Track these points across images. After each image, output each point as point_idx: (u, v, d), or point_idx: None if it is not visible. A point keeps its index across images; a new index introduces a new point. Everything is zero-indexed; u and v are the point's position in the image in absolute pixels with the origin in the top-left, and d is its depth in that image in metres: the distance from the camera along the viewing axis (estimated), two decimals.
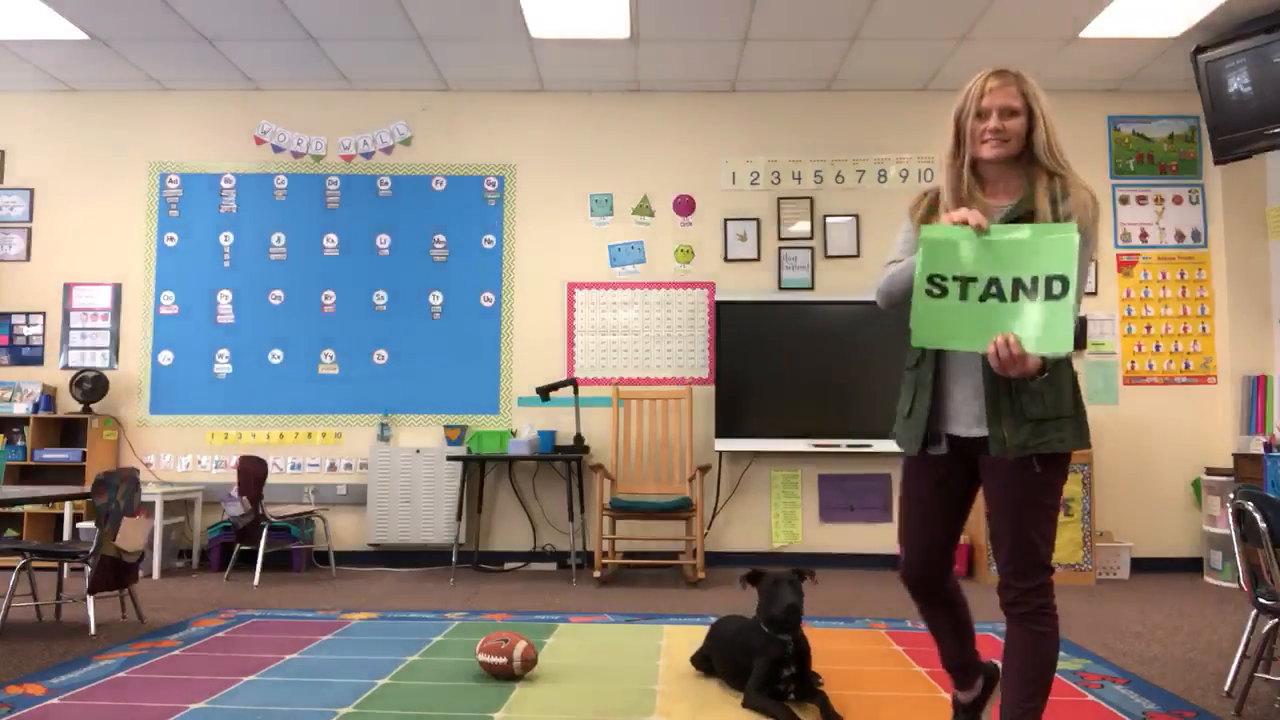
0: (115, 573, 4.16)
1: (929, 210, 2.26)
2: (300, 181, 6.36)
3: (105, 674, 3.41)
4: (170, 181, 6.36)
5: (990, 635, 3.37)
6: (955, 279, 1.95)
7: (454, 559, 5.76)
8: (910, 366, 2.30)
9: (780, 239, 6.27)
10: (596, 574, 5.50)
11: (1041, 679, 2.15)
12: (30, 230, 6.34)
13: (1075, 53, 5.64)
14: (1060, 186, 2.12)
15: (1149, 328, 6.16)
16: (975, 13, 5.18)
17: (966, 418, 2.19)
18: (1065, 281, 1.86)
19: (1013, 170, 2.19)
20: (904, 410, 2.32)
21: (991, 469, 2.19)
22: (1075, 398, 2.16)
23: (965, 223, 1.99)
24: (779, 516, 6.09)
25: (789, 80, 6.16)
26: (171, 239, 6.33)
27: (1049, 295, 1.88)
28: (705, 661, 3.41)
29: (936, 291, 1.96)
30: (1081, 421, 2.15)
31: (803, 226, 6.27)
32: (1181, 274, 6.17)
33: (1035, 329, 1.88)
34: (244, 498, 5.47)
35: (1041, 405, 2.09)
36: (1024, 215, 2.13)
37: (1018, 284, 1.91)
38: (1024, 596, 2.13)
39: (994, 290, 1.92)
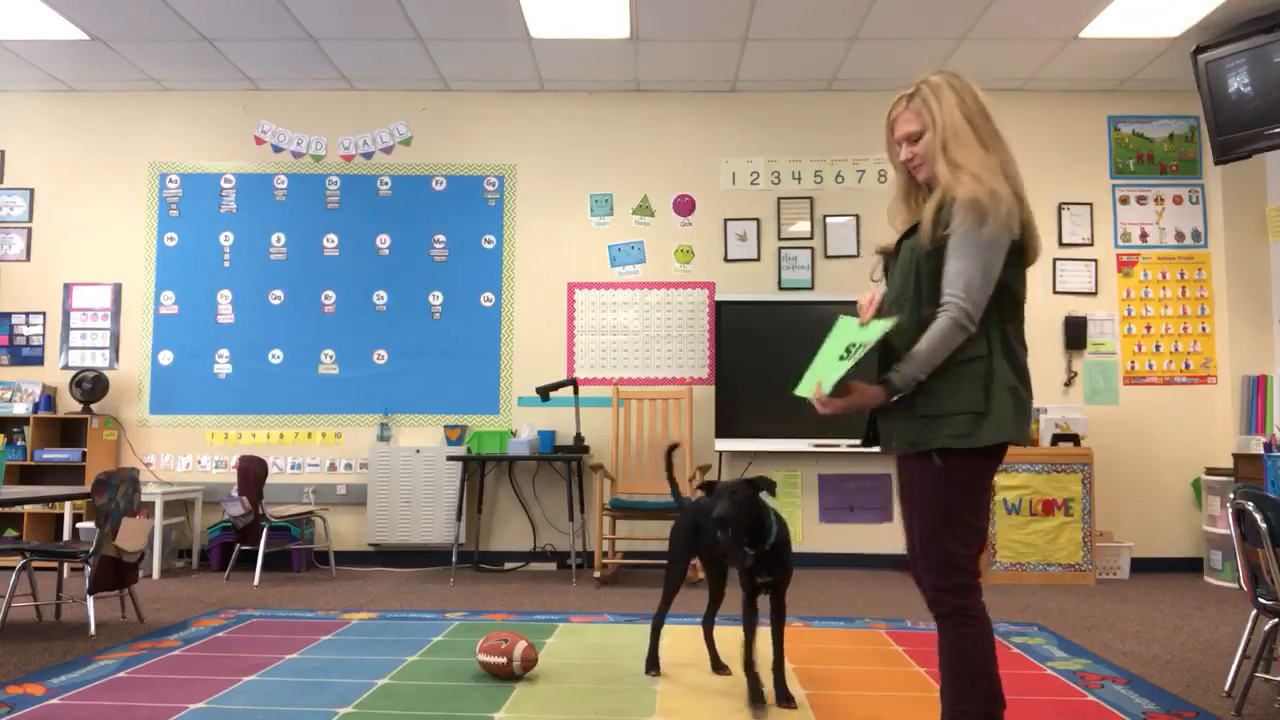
0: (115, 573, 4.16)
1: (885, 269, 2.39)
2: (300, 181, 6.36)
3: (105, 674, 3.40)
4: (170, 181, 6.36)
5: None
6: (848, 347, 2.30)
7: (454, 559, 5.77)
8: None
9: (780, 239, 6.27)
10: (596, 574, 5.50)
11: (970, 681, 2.07)
12: (30, 230, 6.34)
13: (1075, 53, 5.63)
14: (952, 194, 2.10)
15: (1149, 328, 6.16)
16: (975, 13, 5.18)
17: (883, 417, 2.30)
18: (852, 349, 2.20)
19: None
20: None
21: (902, 467, 2.24)
22: (986, 394, 2.07)
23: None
24: None
25: (789, 80, 6.16)
26: (171, 239, 6.33)
27: (843, 356, 2.22)
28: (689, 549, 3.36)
29: (844, 354, 2.28)
30: (994, 416, 2.07)
31: (803, 226, 6.27)
32: (1181, 274, 6.17)
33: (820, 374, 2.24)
34: (244, 498, 5.47)
35: (934, 403, 2.09)
36: (913, 231, 2.19)
37: (849, 348, 2.25)
38: (940, 596, 2.10)
39: (843, 354, 2.28)
